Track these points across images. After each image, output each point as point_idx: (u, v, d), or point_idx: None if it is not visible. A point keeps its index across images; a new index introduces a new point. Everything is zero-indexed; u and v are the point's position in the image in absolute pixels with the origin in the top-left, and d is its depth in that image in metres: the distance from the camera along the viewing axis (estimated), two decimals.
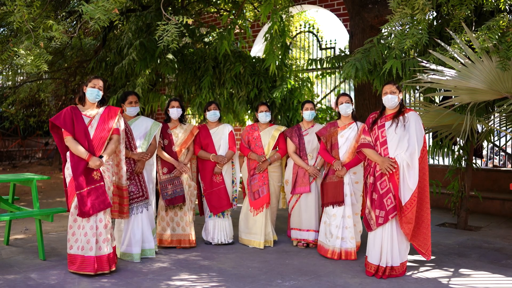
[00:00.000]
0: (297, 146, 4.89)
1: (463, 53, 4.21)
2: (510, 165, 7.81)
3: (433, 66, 4.27)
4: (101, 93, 4.05)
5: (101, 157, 3.93)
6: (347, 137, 4.54)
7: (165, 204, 4.72)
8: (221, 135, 5.02)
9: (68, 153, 3.98)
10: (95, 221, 3.87)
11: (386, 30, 5.04)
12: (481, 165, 7.66)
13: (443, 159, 7.48)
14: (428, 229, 3.96)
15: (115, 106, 4.30)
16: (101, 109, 4.10)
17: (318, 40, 9.04)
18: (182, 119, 4.98)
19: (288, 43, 6.76)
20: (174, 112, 4.85)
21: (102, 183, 3.93)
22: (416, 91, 6.18)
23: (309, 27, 9.38)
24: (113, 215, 4.21)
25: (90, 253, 3.83)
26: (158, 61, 6.74)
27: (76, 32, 5.25)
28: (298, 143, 4.89)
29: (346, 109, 4.54)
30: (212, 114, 5.02)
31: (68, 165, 3.96)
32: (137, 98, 4.64)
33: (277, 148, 5.05)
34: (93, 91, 4.01)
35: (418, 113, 4.39)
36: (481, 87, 4.19)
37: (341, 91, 8.70)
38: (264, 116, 5.02)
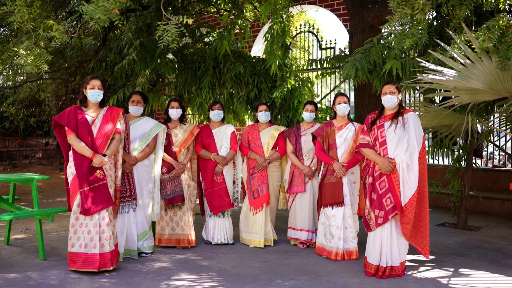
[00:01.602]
0: (294, 146, 4.90)
1: (463, 53, 4.21)
2: (510, 165, 7.81)
3: (433, 66, 4.27)
4: (101, 92, 4.11)
5: (104, 155, 3.97)
6: (345, 137, 4.54)
7: (164, 203, 4.73)
8: (223, 135, 5.02)
9: (70, 152, 4.01)
10: (98, 219, 3.89)
11: (386, 30, 5.04)
12: (481, 165, 7.66)
13: (443, 159, 7.50)
14: (426, 229, 3.96)
15: (117, 107, 4.33)
16: (104, 110, 4.17)
17: (318, 40, 9.05)
18: (182, 119, 4.99)
19: (288, 43, 6.77)
20: (174, 113, 4.86)
21: (105, 181, 3.97)
22: (416, 91, 6.19)
23: (309, 27, 9.38)
24: None
25: (94, 250, 3.86)
26: (158, 61, 6.74)
27: (76, 32, 5.26)
28: (295, 143, 4.90)
29: (345, 109, 4.55)
30: (216, 114, 5.02)
31: (70, 164, 4.00)
32: (142, 98, 4.66)
33: (277, 148, 5.06)
34: (94, 93, 4.06)
35: (417, 113, 4.39)
36: (481, 87, 4.19)
37: (341, 91, 8.70)
38: (263, 115, 5.03)
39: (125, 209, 4.40)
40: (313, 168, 4.83)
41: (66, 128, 4.00)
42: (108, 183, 3.99)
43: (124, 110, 4.46)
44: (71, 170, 3.99)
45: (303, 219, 4.84)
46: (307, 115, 4.93)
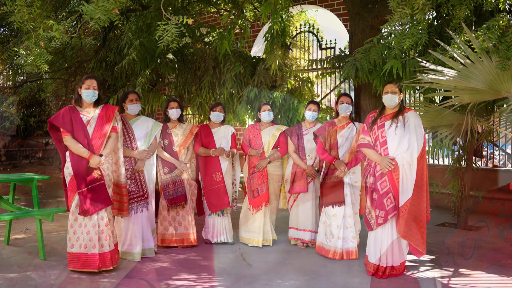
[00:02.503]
0: (296, 145, 4.89)
1: (463, 53, 4.21)
2: (510, 165, 7.80)
3: (433, 66, 4.27)
4: (96, 92, 4.09)
5: (100, 155, 3.96)
6: (347, 137, 4.54)
7: (167, 203, 4.73)
8: (222, 135, 5.04)
9: (67, 153, 4.00)
10: (97, 219, 3.89)
11: (386, 30, 5.04)
12: (481, 165, 7.66)
13: (443, 159, 7.49)
14: (424, 228, 3.94)
15: (113, 105, 4.33)
16: (99, 109, 4.14)
17: (318, 40, 9.04)
18: (181, 119, 4.99)
19: (288, 43, 6.77)
20: (174, 113, 4.87)
21: (103, 181, 3.97)
22: (416, 91, 6.19)
23: (309, 27, 9.38)
24: (113, 212, 4.24)
25: (94, 250, 3.86)
26: (158, 61, 6.74)
27: (76, 32, 5.27)
28: (297, 143, 4.90)
29: (346, 109, 4.55)
30: (216, 115, 5.04)
31: (67, 165, 3.99)
32: (138, 97, 4.67)
33: (278, 148, 5.06)
34: (88, 93, 4.04)
35: (418, 113, 4.38)
36: (481, 87, 4.19)
37: (341, 91, 8.69)
38: (267, 115, 5.03)
39: (139, 208, 4.42)
40: (316, 168, 4.83)
41: (61, 129, 3.98)
42: (106, 182, 3.99)
43: (120, 109, 4.47)
44: (68, 171, 3.98)
45: (306, 219, 4.84)
46: (309, 114, 4.93)
